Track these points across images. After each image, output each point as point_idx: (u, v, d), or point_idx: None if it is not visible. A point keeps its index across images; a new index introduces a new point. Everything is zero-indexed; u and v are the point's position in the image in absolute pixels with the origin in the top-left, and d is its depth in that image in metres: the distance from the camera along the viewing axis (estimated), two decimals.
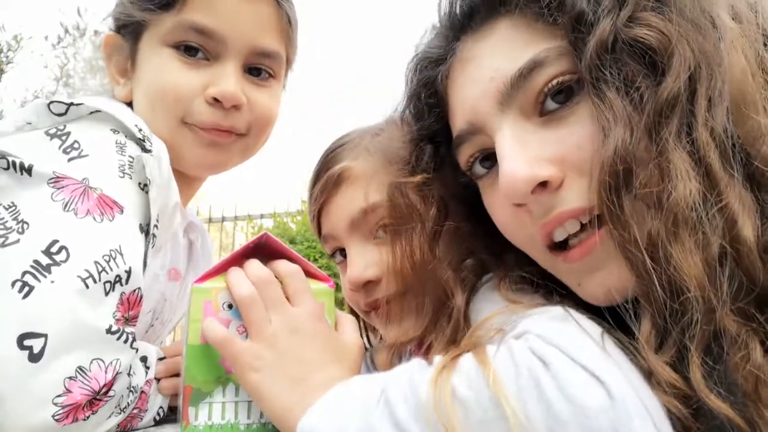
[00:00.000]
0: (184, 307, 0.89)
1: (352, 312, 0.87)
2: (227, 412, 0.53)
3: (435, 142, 0.69)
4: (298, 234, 4.51)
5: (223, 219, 5.66)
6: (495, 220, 0.62)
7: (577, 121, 0.52)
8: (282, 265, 0.59)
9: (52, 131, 0.67)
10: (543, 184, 0.52)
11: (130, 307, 0.61)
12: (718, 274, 0.44)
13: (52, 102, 0.70)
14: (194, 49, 0.75)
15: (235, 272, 0.58)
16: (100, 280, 0.58)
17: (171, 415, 0.67)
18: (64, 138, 0.67)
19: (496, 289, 0.61)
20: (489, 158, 0.60)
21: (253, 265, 0.58)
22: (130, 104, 0.79)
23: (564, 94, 0.52)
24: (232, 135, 0.79)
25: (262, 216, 5.59)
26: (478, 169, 0.62)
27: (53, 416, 0.52)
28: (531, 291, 0.60)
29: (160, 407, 0.66)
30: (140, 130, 0.72)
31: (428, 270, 0.67)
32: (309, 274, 0.59)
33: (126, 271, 0.61)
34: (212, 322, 0.55)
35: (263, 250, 0.59)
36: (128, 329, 0.60)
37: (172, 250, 0.80)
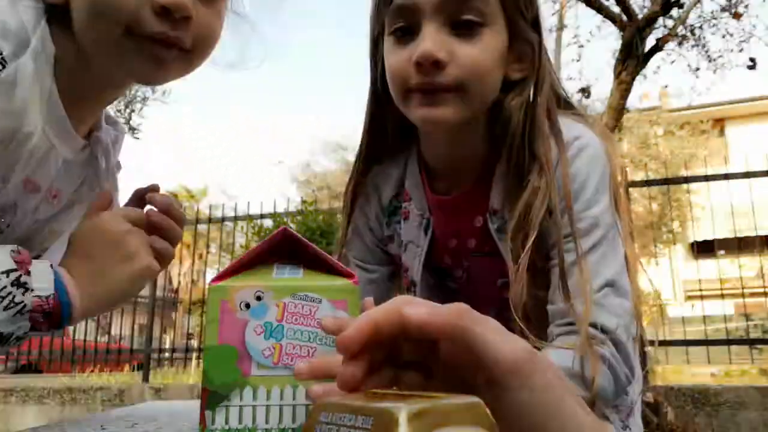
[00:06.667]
0: (59, 225, 0.90)
1: (385, 91, 0.90)
2: (245, 416, 0.51)
3: None
4: (298, 234, 4.49)
5: (223, 219, 5.64)
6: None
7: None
8: None
9: None
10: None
11: None
12: None
13: None
14: None
15: None
16: None
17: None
18: None
19: None
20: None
21: None
22: (63, 9, 0.75)
23: None
24: (175, 49, 0.75)
25: (262, 216, 5.57)
26: None
27: None
28: None
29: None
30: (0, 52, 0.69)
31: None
32: (332, 269, 0.56)
33: None
34: None
35: (285, 246, 0.57)
36: None
37: (38, 165, 0.79)
